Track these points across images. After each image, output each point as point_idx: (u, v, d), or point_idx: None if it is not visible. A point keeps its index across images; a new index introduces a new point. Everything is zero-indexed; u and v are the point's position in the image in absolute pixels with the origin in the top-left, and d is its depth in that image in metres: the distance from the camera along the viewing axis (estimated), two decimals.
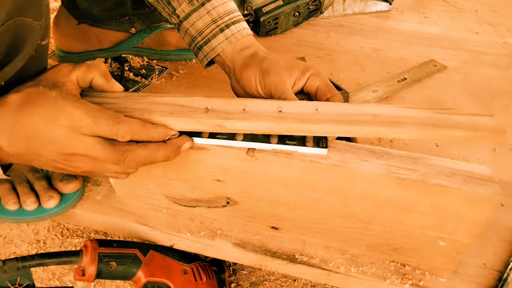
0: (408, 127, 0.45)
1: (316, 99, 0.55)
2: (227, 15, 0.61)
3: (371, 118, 0.47)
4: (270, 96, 0.55)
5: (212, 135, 0.50)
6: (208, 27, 0.61)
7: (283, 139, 0.49)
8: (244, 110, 0.48)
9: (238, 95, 0.61)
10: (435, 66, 0.91)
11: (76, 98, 0.45)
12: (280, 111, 0.48)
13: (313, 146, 0.48)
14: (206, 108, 0.48)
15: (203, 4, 0.61)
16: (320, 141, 0.49)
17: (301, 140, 0.49)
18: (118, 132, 0.44)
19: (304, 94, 0.57)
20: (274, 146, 0.49)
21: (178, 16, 0.63)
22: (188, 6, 0.61)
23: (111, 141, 0.45)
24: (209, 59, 0.62)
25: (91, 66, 0.49)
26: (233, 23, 0.61)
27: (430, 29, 1.04)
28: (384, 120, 0.46)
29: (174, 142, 0.48)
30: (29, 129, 0.43)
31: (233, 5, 0.62)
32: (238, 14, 0.62)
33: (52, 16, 0.79)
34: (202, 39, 0.62)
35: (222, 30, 0.60)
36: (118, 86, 0.51)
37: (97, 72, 0.49)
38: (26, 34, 0.46)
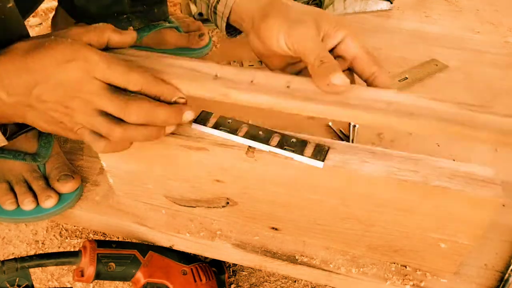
0: (426, 120, 0.42)
1: (353, 71, 0.48)
2: None
3: (385, 106, 0.43)
4: (294, 53, 0.48)
5: (216, 126, 0.50)
6: None
7: (282, 143, 0.49)
8: (252, 81, 0.47)
9: (257, 54, 0.55)
10: (437, 65, 0.90)
11: (90, 46, 0.44)
12: (288, 87, 0.46)
13: (311, 156, 0.47)
14: (216, 75, 0.48)
15: None
16: (320, 152, 0.48)
17: (300, 146, 0.49)
18: (131, 79, 0.44)
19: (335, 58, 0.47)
20: (271, 149, 0.48)
21: None
22: None
23: (119, 90, 0.44)
24: (225, 20, 0.58)
25: (100, 26, 0.48)
26: None
27: (431, 28, 1.03)
28: (397, 109, 0.43)
29: (177, 106, 0.46)
30: (37, 73, 0.42)
31: None
32: None
33: (50, 15, 0.79)
34: None
35: None
36: (130, 35, 0.50)
37: (109, 30, 0.48)
38: None
